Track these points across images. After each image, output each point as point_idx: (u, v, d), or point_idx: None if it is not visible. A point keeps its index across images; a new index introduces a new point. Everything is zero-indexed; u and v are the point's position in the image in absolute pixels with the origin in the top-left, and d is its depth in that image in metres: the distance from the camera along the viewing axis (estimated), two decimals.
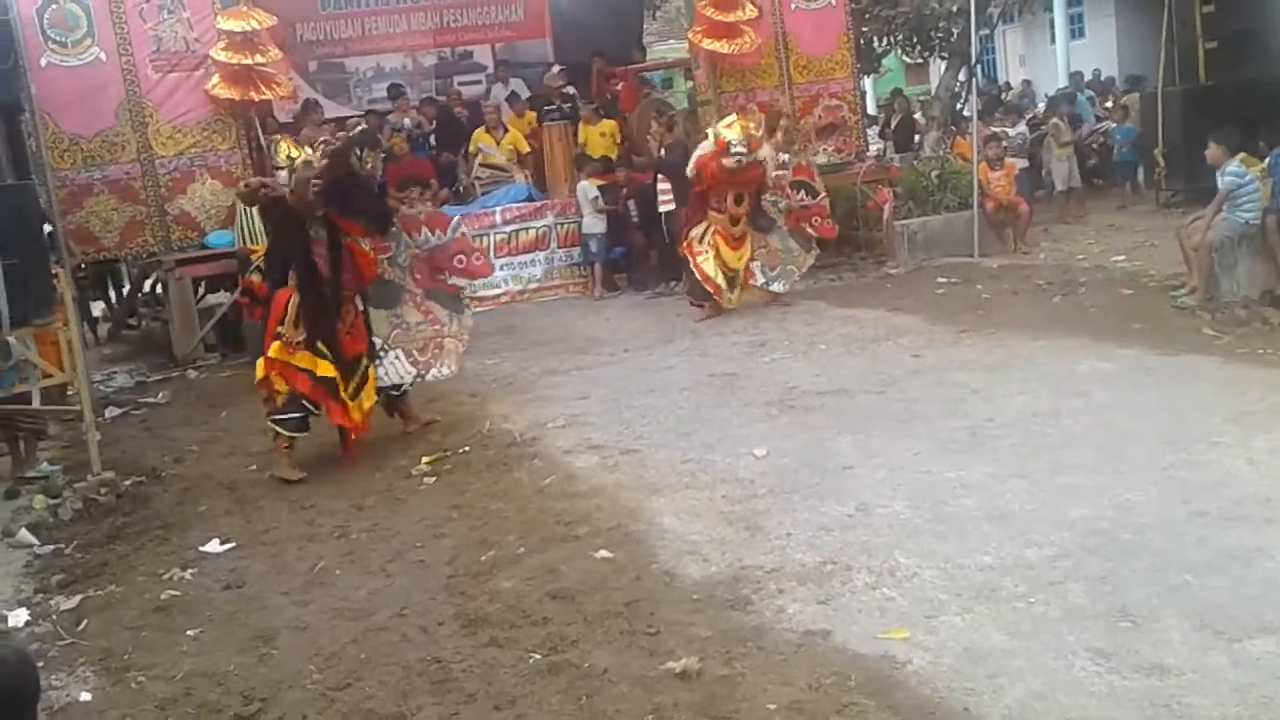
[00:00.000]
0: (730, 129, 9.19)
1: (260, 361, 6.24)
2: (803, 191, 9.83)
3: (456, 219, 7.15)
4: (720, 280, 9.38)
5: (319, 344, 6.12)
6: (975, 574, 3.99)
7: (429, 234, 6.77)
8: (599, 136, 12.05)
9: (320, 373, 6.10)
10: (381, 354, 6.60)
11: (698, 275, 9.40)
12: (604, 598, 4.12)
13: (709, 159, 9.18)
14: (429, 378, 6.81)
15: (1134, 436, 5.22)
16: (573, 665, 3.64)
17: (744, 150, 9.02)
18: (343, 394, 6.18)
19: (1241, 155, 7.90)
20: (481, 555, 4.67)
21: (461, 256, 6.87)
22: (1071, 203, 13.35)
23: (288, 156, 8.73)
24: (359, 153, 6.18)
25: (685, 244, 9.53)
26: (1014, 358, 6.96)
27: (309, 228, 6.10)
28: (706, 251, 9.37)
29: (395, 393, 6.77)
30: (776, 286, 9.70)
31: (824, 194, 10.02)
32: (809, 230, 9.79)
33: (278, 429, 6.18)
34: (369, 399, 6.40)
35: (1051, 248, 11.31)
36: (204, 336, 10.14)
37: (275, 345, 6.10)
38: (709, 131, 9.49)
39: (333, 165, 6.00)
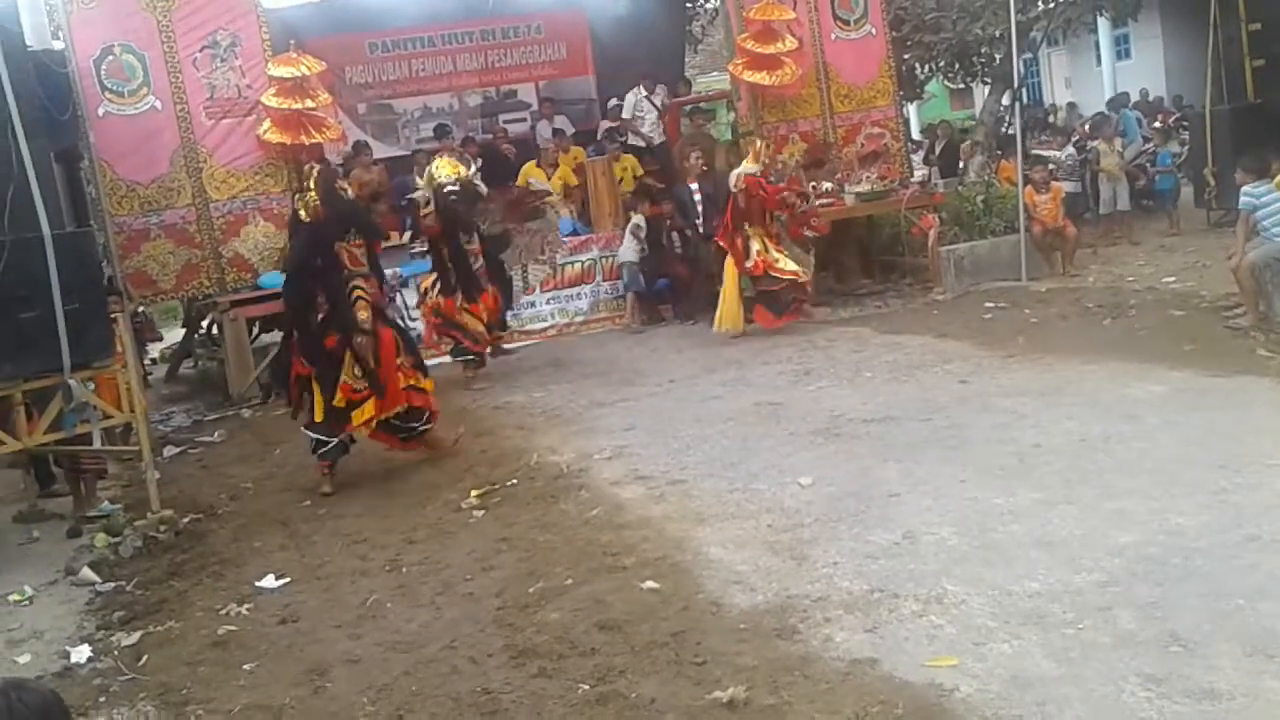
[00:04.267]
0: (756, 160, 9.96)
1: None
2: (800, 199, 10.35)
3: None
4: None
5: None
6: (1024, 601, 3.96)
7: None
8: (622, 171, 12.27)
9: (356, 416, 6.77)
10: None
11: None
12: (651, 628, 4.14)
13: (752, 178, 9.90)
14: None
15: (1185, 460, 5.16)
16: (620, 695, 3.67)
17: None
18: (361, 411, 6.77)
19: None
20: (530, 587, 4.72)
21: None
22: (1119, 226, 13.23)
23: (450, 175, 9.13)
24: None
25: (727, 243, 9.97)
26: (1063, 382, 6.91)
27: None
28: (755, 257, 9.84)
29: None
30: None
31: (813, 198, 10.68)
32: (807, 234, 10.24)
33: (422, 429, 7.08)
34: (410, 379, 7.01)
35: (1101, 270, 11.22)
36: (258, 376, 10.33)
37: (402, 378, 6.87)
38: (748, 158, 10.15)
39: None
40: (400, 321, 8.56)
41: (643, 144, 13.28)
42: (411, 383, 6.93)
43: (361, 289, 6.74)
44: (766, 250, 9.83)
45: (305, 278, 6.97)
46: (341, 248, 6.77)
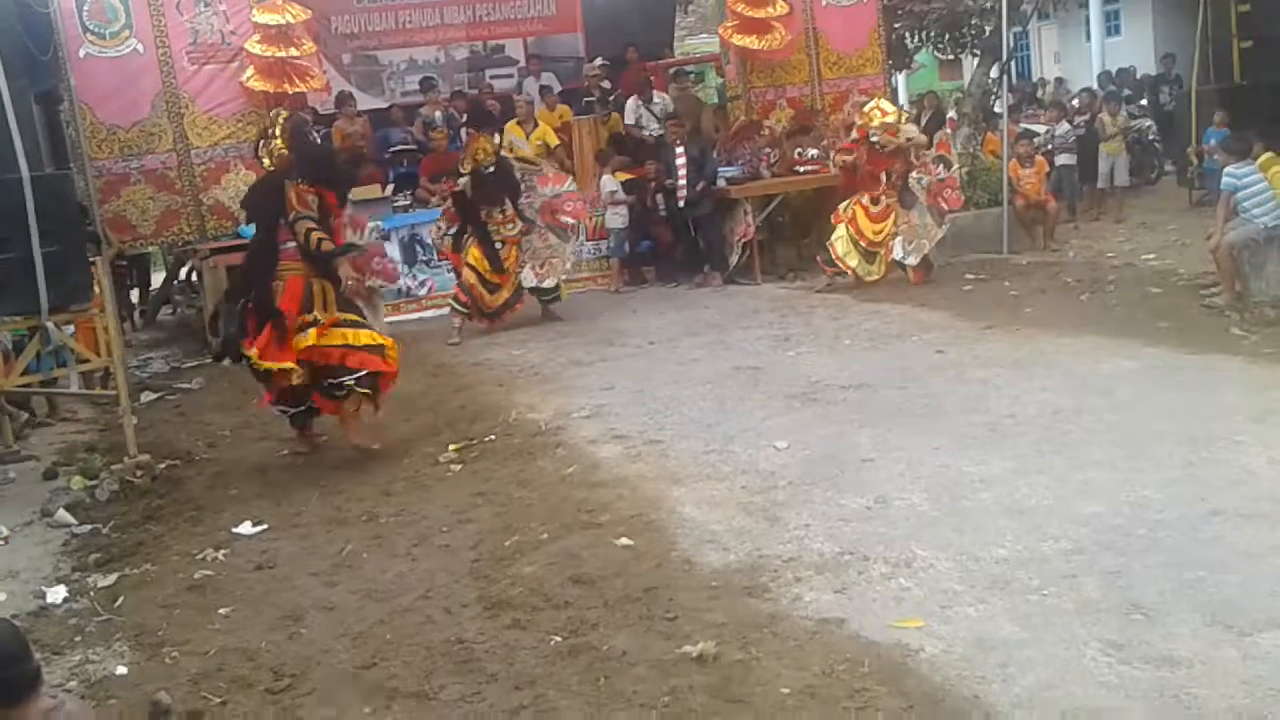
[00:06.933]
0: (867, 116, 9.86)
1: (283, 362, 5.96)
2: (940, 165, 10.18)
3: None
4: (853, 260, 9.92)
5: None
6: (990, 566, 4.03)
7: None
8: (610, 131, 12.24)
9: (363, 341, 6.10)
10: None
11: (831, 252, 10.00)
12: (624, 583, 4.19)
13: (852, 144, 10.07)
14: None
15: (1155, 434, 5.23)
16: (592, 648, 3.72)
17: (878, 140, 9.75)
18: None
19: (1265, 157, 7.84)
20: (505, 541, 4.76)
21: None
22: (1113, 200, 13.16)
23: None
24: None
25: (835, 213, 10.14)
26: (1038, 354, 6.98)
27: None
28: (844, 224, 9.95)
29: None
30: (910, 260, 9.99)
31: (956, 166, 10.48)
32: (942, 204, 10.08)
33: (356, 388, 6.09)
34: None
35: (1081, 245, 11.30)
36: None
37: (312, 333, 5.97)
38: (856, 119, 10.29)
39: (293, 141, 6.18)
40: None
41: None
42: (348, 341, 6.08)
43: (314, 228, 5.98)
44: (856, 218, 9.92)
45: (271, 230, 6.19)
46: (290, 186, 6.03)
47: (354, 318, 6.18)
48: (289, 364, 5.94)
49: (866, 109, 10.06)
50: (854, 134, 10.08)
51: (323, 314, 6.07)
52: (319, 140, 6.61)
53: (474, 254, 9.45)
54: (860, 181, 9.95)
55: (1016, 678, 3.28)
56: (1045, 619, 3.61)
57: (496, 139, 9.73)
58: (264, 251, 6.21)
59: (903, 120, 10.02)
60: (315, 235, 5.96)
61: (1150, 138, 14.72)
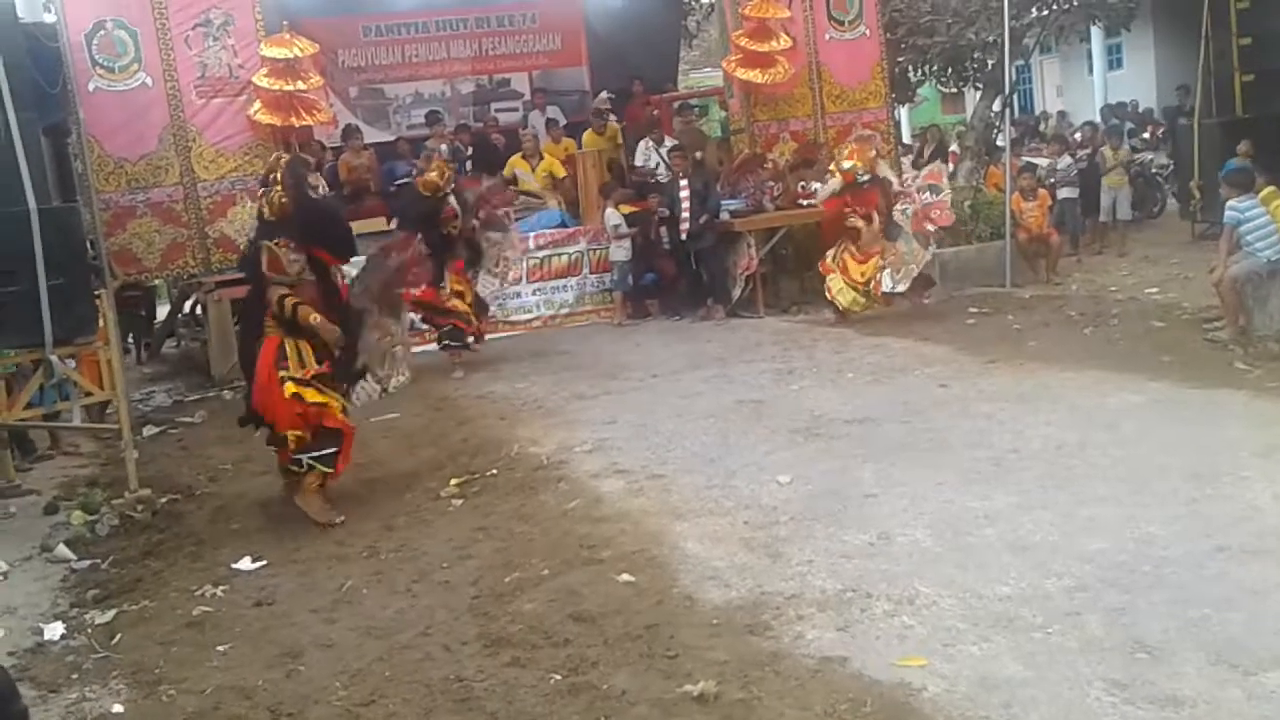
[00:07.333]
0: (850, 160, 9.80)
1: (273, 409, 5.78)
2: (928, 192, 10.17)
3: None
4: (846, 302, 9.96)
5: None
6: (994, 604, 4.00)
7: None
8: (611, 142, 12.35)
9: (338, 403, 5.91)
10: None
11: (828, 296, 10.08)
12: (625, 620, 4.17)
13: (834, 199, 10.06)
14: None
15: (1159, 470, 5.21)
16: (592, 686, 3.69)
17: (868, 176, 9.78)
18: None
19: (1266, 191, 7.84)
20: (506, 577, 4.73)
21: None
22: (1115, 234, 13.17)
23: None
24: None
25: (823, 263, 10.21)
26: (1042, 389, 6.96)
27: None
28: (836, 273, 10.00)
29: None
30: (900, 288, 9.95)
31: (947, 191, 10.46)
32: (928, 227, 10.04)
33: (319, 465, 5.78)
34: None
35: (1084, 279, 11.30)
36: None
37: (290, 386, 5.70)
38: (832, 168, 10.17)
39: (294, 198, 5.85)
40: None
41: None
42: (320, 399, 5.81)
43: (288, 294, 5.66)
44: (846, 266, 9.94)
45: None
46: (264, 249, 5.69)
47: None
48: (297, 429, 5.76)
49: (842, 155, 10.01)
50: (835, 183, 9.97)
51: (299, 370, 5.74)
52: (317, 186, 6.45)
53: (455, 282, 9.35)
54: (849, 230, 9.91)
55: (1020, 718, 3.25)
56: (1049, 657, 3.58)
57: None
58: (251, 315, 6.01)
59: (883, 155, 10.07)
60: (290, 301, 5.65)
61: (1153, 171, 14.76)
